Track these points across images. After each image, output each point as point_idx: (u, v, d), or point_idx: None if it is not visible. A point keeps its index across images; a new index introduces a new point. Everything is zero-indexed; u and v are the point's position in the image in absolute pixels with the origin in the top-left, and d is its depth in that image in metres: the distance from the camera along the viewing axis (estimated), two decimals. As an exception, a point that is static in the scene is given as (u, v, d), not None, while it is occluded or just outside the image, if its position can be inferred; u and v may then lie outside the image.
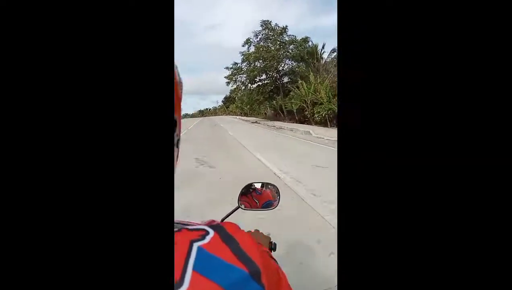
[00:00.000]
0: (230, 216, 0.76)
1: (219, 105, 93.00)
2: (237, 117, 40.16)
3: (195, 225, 0.25)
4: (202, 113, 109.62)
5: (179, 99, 0.33)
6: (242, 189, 0.82)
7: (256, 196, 0.85)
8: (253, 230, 0.65)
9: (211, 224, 0.27)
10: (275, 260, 0.37)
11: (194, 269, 0.20)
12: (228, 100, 73.24)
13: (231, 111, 60.15)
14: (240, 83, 23.00)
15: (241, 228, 0.28)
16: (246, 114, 42.75)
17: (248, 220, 1.75)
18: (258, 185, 0.87)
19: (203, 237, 0.23)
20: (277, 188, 0.83)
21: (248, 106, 37.82)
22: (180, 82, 0.33)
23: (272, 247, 0.63)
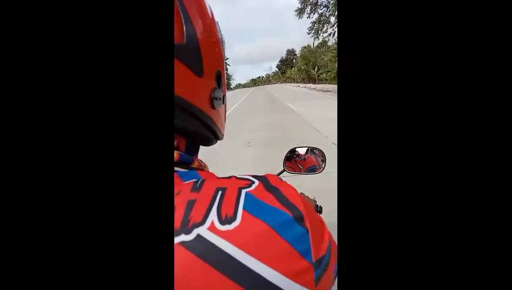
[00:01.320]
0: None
1: (273, 72, 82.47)
2: (301, 85, 30.00)
3: (242, 176, 0.28)
4: (254, 82, 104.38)
5: (223, 56, 0.36)
6: (287, 154, 0.82)
7: (300, 162, 0.84)
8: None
9: (256, 175, 0.28)
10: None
11: (244, 208, 0.22)
12: (284, 64, 63.78)
13: (288, 77, 50.32)
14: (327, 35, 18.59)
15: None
16: (311, 80, 32.28)
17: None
18: (302, 151, 0.85)
19: (249, 185, 0.25)
20: (323, 153, 0.82)
21: (316, 69, 27.47)
22: (222, 39, 0.37)
23: (318, 209, 0.65)
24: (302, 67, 31.21)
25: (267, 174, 0.29)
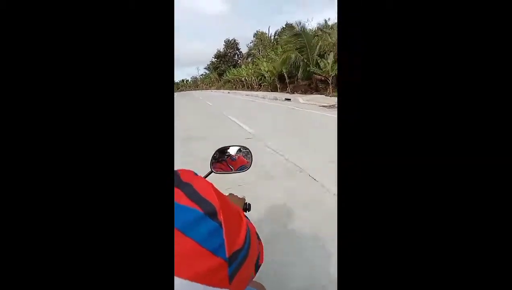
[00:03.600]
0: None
1: (202, 74, 62.94)
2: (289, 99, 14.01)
3: None
4: (177, 87, 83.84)
5: None
6: (214, 154, 0.79)
7: (231, 162, 0.82)
8: (227, 194, 0.62)
9: None
10: (247, 218, 0.36)
11: None
12: (222, 62, 43.32)
13: (232, 80, 32.04)
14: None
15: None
16: (304, 87, 15.76)
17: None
18: (231, 151, 0.82)
19: None
20: (248, 150, 0.81)
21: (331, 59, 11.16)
22: None
23: (247, 207, 0.64)
24: (284, 57, 13.93)
25: (180, 170, 0.27)
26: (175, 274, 0.19)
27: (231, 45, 43.57)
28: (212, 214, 0.23)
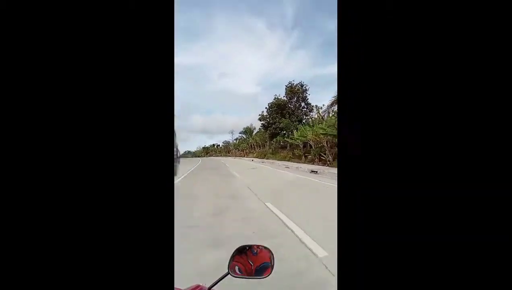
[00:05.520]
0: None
1: (238, 138, 53.99)
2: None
3: None
4: (206, 151, 78.86)
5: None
6: (234, 253, 0.75)
7: (252, 257, 0.76)
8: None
9: None
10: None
11: None
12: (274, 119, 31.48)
13: (283, 146, 20.67)
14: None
15: None
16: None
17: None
18: (253, 249, 0.78)
19: None
20: (269, 250, 0.75)
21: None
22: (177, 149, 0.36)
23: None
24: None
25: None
26: None
27: (295, 90, 24.80)
28: None
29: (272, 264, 0.72)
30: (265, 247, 0.76)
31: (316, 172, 10.88)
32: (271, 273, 0.71)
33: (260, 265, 0.72)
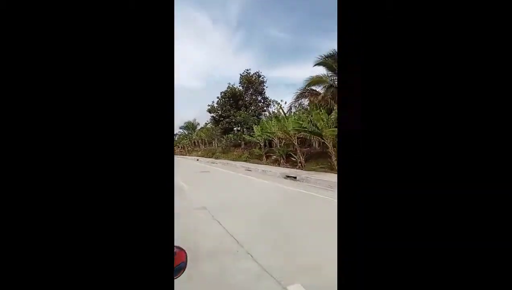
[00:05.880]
0: None
1: (176, 134, 47.86)
2: None
3: None
4: None
5: None
6: None
7: None
8: None
9: None
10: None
11: None
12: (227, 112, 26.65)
13: (237, 144, 17.57)
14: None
15: None
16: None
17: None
18: None
19: None
20: (184, 250, 0.76)
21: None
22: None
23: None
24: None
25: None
26: None
27: (252, 79, 21.36)
28: None
29: (185, 262, 0.74)
30: (181, 248, 0.76)
31: (295, 178, 8.20)
32: (183, 273, 0.73)
33: (176, 266, 0.73)
